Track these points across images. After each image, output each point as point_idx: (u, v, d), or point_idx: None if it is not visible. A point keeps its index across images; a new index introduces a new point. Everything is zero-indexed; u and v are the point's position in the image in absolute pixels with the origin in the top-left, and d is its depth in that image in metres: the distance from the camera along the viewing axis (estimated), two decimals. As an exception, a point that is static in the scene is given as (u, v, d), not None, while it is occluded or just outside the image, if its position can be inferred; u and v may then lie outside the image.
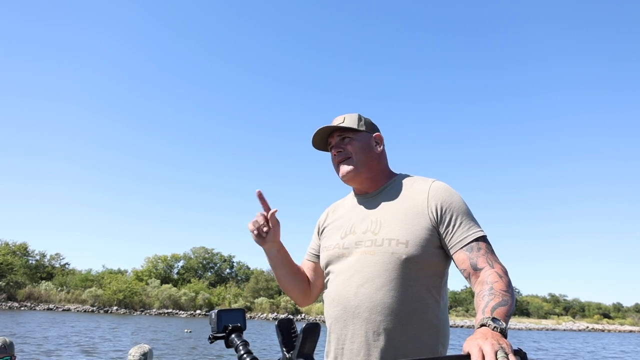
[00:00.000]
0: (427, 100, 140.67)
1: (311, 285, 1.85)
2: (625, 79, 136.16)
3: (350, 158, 1.68)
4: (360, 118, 1.73)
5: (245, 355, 1.14)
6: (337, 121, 1.72)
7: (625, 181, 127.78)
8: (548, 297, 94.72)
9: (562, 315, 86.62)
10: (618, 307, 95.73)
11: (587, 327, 73.53)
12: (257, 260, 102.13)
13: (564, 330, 68.94)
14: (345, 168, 1.68)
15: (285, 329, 1.09)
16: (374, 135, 1.74)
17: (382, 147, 1.74)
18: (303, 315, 55.50)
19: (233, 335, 1.22)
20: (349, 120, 1.71)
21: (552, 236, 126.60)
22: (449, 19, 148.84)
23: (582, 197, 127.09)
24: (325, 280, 1.71)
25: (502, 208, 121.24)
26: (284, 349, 1.07)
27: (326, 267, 1.69)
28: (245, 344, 1.18)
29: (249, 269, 70.59)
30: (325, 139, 1.76)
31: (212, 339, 1.24)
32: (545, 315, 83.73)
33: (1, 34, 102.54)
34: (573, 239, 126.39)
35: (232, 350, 1.21)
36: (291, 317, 1.08)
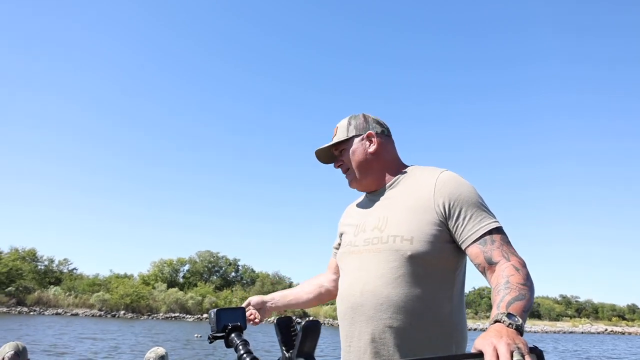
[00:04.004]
0: (428, 100, 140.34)
1: (336, 284, 1.85)
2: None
3: (349, 168, 1.71)
4: (349, 122, 1.73)
5: (245, 355, 1.14)
6: (334, 132, 1.76)
7: (636, 182, 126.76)
8: (559, 299, 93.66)
9: (574, 317, 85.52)
10: (633, 309, 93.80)
11: (606, 330, 72.19)
12: (262, 263, 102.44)
13: (582, 332, 67.61)
14: (349, 179, 1.74)
15: (284, 327, 1.07)
16: (365, 134, 1.70)
17: (375, 144, 1.69)
18: (311, 317, 55.29)
19: (233, 335, 1.20)
20: (340, 130, 1.74)
21: (562, 237, 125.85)
22: (451, 19, 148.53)
23: (592, 197, 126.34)
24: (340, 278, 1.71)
25: (510, 208, 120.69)
26: (283, 348, 1.06)
27: (339, 264, 1.71)
28: (245, 343, 1.17)
29: (254, 272, 70.66)
30: (331, 151, 1.79)
31: (212, 339, 1.23)
32: (558, 318, 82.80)
33: None
34: (584, 239, 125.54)
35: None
36: (291, 316, 1.06)
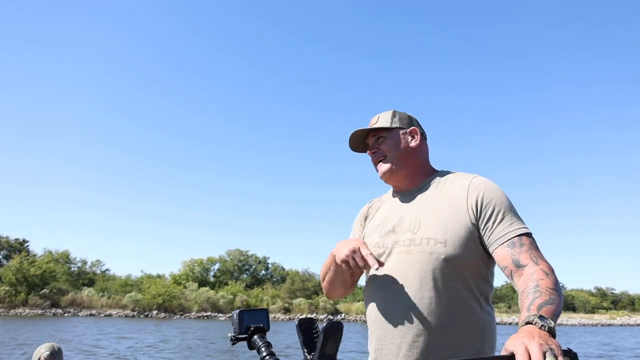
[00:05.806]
0: (436, 95, 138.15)
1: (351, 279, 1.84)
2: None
3: (386, 157, 1.70)
4: (394, 114, 1.74)
5: (267, 357, 1.15)
6: (372, 122, 1.76)
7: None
8: (594, 291, 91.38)
9: (610, 309, 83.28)
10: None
11: (646, 322, 69.70)
12: (291, 261, 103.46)
13: (621, 325, 65.69)
14: (382, 167, 1.71)
15: (306, 328, 1.08)
16: (409, 129, 1.73)
17: (418, 140, 1.72)
18: (343, 315, 55.41)
19: (255, 337, 1.20)
20: (382, 119, 1.74)
21: (595, 228, 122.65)
22: (444, 13, 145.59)
23: (624, 187, 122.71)
24: (366, 280, 1.71)
25: (542, 200, 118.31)
26: (305, 350, 1.07)
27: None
28: (268, 345, 1.17)
29: (284, 269, 71.24)
30: (364, 140, 1.79)
31: (235, 340, 1.22)
32: (593, 310, 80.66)
33: None
34: (617, 229, 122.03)
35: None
36: (312, 317, 1.03)
